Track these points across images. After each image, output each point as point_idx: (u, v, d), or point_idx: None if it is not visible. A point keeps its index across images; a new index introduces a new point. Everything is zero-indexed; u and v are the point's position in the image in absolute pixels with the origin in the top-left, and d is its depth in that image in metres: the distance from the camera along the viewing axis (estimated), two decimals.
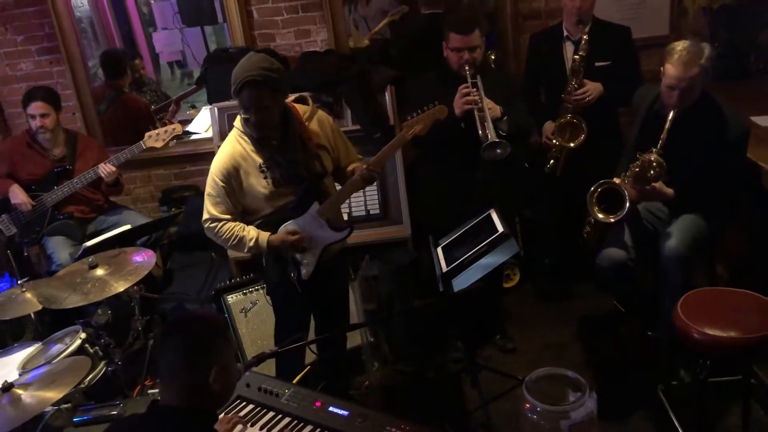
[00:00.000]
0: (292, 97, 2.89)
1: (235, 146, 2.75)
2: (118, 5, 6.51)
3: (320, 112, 2.90)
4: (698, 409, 2.79)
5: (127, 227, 3.81)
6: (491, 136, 3.12)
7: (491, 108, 3.20)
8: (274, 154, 2.73)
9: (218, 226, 2.78)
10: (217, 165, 2.76)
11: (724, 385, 2.83)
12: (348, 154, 2.96)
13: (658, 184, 2.90)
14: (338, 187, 2.96)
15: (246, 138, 2.74)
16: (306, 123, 2.79)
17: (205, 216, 2.81)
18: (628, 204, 2.88)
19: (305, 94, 2.92)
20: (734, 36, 4.05)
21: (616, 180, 2.98)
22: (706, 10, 4.06)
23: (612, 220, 2.94)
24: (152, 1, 7.84)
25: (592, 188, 2.99)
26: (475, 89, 3.21)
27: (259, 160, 2.73)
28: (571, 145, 3.55)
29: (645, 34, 4.12)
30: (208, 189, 2.79)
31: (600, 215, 2.97)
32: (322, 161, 2.81)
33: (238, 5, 4.28)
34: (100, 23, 6.20)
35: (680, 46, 2.84)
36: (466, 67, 3.22)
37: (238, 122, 2.77)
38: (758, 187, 3.08)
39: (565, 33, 3.69)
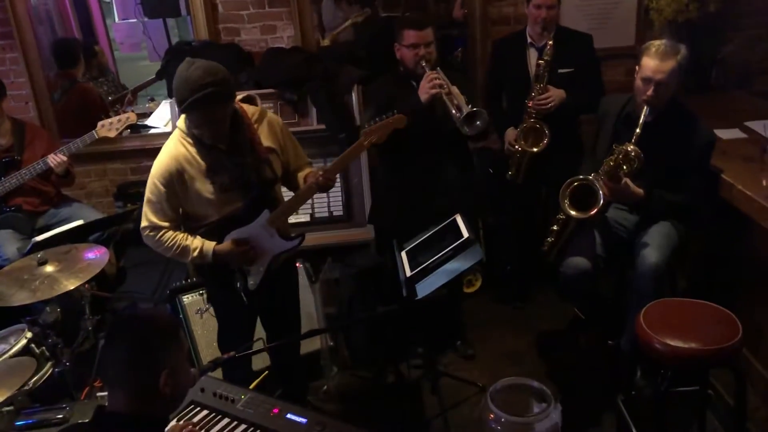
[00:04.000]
0: (239, 96, 2.73)
1: (178, 148, 2.60)
2: None
3: (270, 114, 2.79)
4: (658, 419, 2.80)
5: (80, 222, 3.67)
6: (466, 109, 3.04)
7: (457, 93, 3.12)
8: (222, 158, 2.60)
9: (158, 235, 2.64)
10: (159, 168, 2.60)
11: (683, 396, 2.86)
12: (297, 157, 2.85)
13: (630, 182, 2.89)
14: (285, 192, 2.87)
15: (190, 140, 2.59)
16: (255, 125, 2.67)
17: (144, 223, 2.66)
18: (602, 199, 2.85)
19: (252, 93, 2.79)
20: (696, 50, 4.09)
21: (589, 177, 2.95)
22: (671, 24, 4.11)
23: (590, 214, 2.88)
24: None
25: (565, 184, 2.95)
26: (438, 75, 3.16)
27: (204, 163, 2.59)
28: (534, 150, 3.54)
29: (612, 44, 4.16)
30: (148, 194, 2.63)
31: (572, 212, 2.93)
32: (272, 166, 2.70)
33: None
34: (57, 11, 6.00)
35: (657, 41, 2.92)
36: (423, 63, 3.18)
37: (181, 123, 2.63)
38: (716, 196, 3.12)
39: (529, 39, 3.69)
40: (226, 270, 2.74)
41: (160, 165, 2.60)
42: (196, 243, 2.65)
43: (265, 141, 2.69)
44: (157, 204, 2.62)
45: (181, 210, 2.68)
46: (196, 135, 2.58)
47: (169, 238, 2.64)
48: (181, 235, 2.66)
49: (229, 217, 2.68)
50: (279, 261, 2.81)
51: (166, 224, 2.64)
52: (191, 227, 2.70)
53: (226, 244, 2.67)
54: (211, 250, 2.65)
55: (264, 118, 2.73)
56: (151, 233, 2.65)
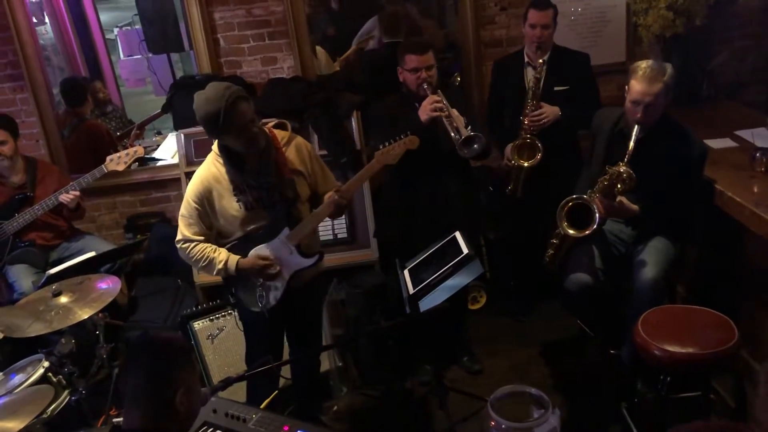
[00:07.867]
0: (271, 122, 2.93)
1: (210, 169, 2.79)
2: (83, 33, 6.48)
3: (298, 138, 2.93)
4: (661, 425, 2.84)
5: (92, 254, 3.76)
6: (464, 132, 3.14)
7: (457, 116, 3.23)
8: (248, 177, 2.76)
9: (190, 247, 2.81)
10: (192, 187, 2.80)
11: (685, 401, 2.90)
12: (326, 181, 2.99)
13: (625, 200, 2.96)
14: None
15: (221, 161, 2.77)
16: (283, 148, 2.82)
17: (178, 237, 2.84)
18: (598, 218, 2.92)
19: (284, 120, 2.96)
20: (686, 63, 4.19)
21: (584, 196, 3.03)
22: (659, 38, 4.21)
23: (587, 233, 2.96)
24: (117, 29, 7.84)
25: (562, 204, 3.03)
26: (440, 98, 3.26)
27: (233, 182, 2.76)
28: (526, 164, 3.62)
29: (603, 61, 4.26)
30: (182, 210, 2.83)
31: (570, 231, 3.02)
32: (295, 187, 2.83)
33: (204, 33, 4.31)
34: (64, 51, 6.16)
35: (644, 64, 2.97)
36: (425, 86, 3.29)
37: (215, 145, 2.81)
38: (711, 205, 3.18)
39: (526, 59, 3.79)
40: (249, 285, 2.86)
41: (193, 184, 2.80)
42: (222, 256, 2.80)
43: (291, 164, 2.83)
44: (189, 219, 2.80)
45: (213, 227, 2.85)
46: (231, 152, 2.73)
47: (198, 251, 2.80)
48: (210, 248, 2.81)
49: (253, 233, 2.83)
50: (303, 278, 2.92)
51: (198, 238, 2.81)
52: (221, 243, 2.86)
53: (250, 258, 2.81)
54: (235, 263, 2.80)
55: (292, 142, 2.89)
56: (183, 245, 2.83)
